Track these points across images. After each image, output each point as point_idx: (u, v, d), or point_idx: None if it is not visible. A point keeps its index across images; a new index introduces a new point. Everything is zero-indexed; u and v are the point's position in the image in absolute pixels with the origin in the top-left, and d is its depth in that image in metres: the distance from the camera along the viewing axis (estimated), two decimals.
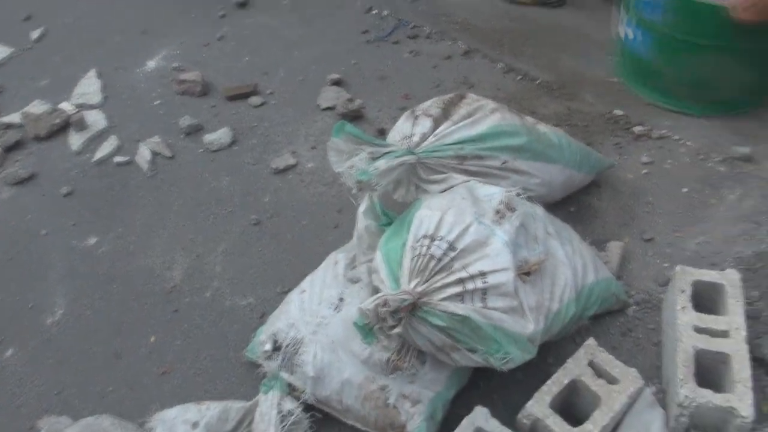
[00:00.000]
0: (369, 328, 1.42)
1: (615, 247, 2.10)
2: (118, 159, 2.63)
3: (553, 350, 1.86)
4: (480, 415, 1.54)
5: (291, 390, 1.69)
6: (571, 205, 2.26)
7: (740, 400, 1.51)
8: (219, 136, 2.64)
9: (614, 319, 1.95)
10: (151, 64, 3.08)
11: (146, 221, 2.42)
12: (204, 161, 2.60)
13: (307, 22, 3.20)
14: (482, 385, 1.81)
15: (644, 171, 2.35)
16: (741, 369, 1.57)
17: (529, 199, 1.84)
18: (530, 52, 2.89)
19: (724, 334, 1.65)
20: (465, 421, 1.53)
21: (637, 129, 2.49)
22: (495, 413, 1.67)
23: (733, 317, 1.68)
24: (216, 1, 3.38)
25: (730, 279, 1.76)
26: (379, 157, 1.76)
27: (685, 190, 2.27)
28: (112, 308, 2.16)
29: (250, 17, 3.27)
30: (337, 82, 2.83)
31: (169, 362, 1.98)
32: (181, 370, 1.95)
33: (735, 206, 2.20)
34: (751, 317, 1.91)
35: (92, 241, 2.38)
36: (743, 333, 1.64)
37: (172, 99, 2.88)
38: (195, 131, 2.70)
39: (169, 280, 2.22)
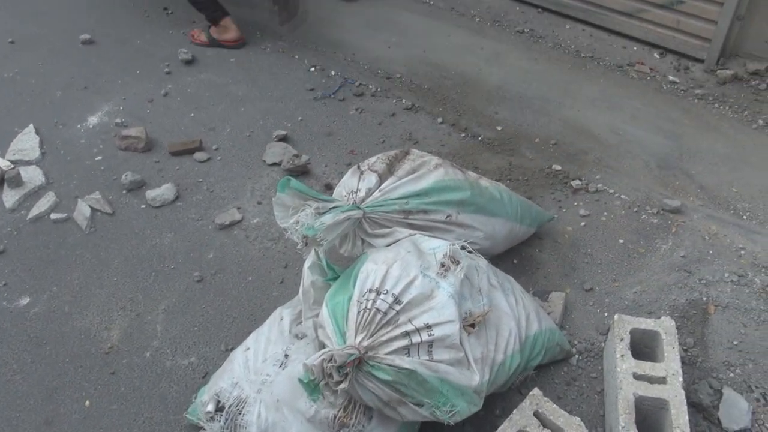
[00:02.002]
0: (314, 384, 1.39)
1: (557, 298, 2.15)
2: (54, 216, 2.55)
3: (499, 402, 1.88)
4: None
5: None
6: (514, 257, 2.32)
7: None
8: (162, 191, 2.61)
9: (558, 369, 1.99)
10: (93, 119, 3.03)
11: (83, 280, 2.33)
12: (146, 218, 2.55)
13: (254, 79, 3.24)
14: None
15: (582, 223, 2.45)
16: (679, 414, 1.61)
17: (473, 252, 1.88)
18: (471, 110, 3.00)
19: (662, 380, 1.70)
20: None
21: (575, 183, 2.60)
22: None
23: (670, 363, 1.73)
24: (161, 58, 3.39)
25: (665, 326, 1.83)
26: (325, 212, 1.77)
27: (621, 241, 2.37)
28: (43, 372, 2.05)
29: (196, 74, 3.29)
30: (283, 138, 2.86)
31: (104, 428, 1.88)
32: None
33: (668, 256, 2.31)
34: (687, 363, 1.98)
35: (24, 301, 2.27)
36: (680, 379, 1.70)
37: (114, 155, 2.84)
38: (137, 187, 2.66)
39: (106, 340, 2.13)
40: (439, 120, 2.93)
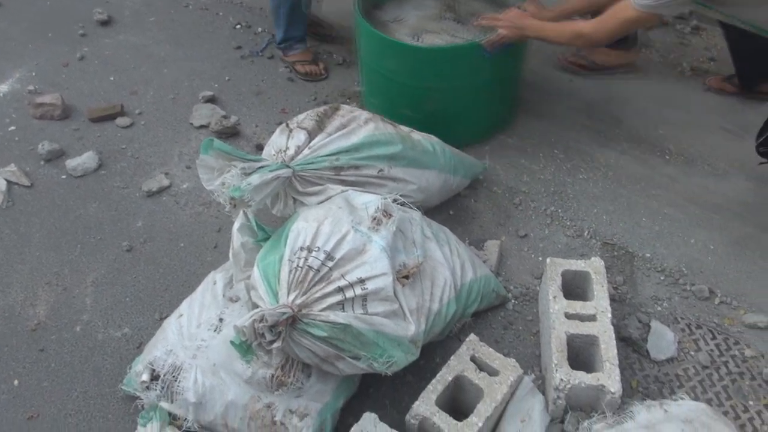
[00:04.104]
0: (247, 345, 1.37)
1: (492, 246, 2.18)
2: None
3: (439, 350, 1.90)
4: (368, 421, 1.53)
5: (173, 419, 1.60)
6: (450, 209, 2.34)
7: (609, 377, 1.61)
8: (83, 160, 2.48)
9: (496, 314, 2.03)
10: (3, 87, 2.84)
11: (3, 256, 2.22)
12: (68, 188, 2.43)
13: (176, 39, 3.10)
14: (373, 392, 1.81)
15: (515, 172, 2.48)
16: (608, 349, 1.67)
17: (407, 204, 1.87)
18: None
19: (592, 318, 1.76)
20: (354, 429, 1.52)
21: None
22: (386, 417, 1.68)
23: (599, 301, 1.79)
24: (75, 19, 3.19)
25: (595, 267, 1.88)
26: (252, 172, 1.73)
27: (552, 188, 2.41)
28: None
29: (114, 35, 3.11)
30: (210, 99, 2.75)
31: (36, 406, 1.82)
32: (51, 414, 1.80)
33: (598, 199, 2.37)
34: (618, 300, 2.05)
35: None
36: (609, 315, 1.75)
37: (29, 124, 2.68)
38: (56, 157, 2.52)
39: (32, 317, 2.04)
40: None
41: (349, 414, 1.72)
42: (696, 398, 1.80)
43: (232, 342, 1.39)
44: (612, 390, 1.58)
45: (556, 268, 1.88)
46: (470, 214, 2.34)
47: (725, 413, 1.77)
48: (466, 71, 2.34)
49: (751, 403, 1.79)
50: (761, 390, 1.81)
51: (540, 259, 2.19)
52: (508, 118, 2.66)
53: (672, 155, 2.50)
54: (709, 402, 1.79)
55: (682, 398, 1.59)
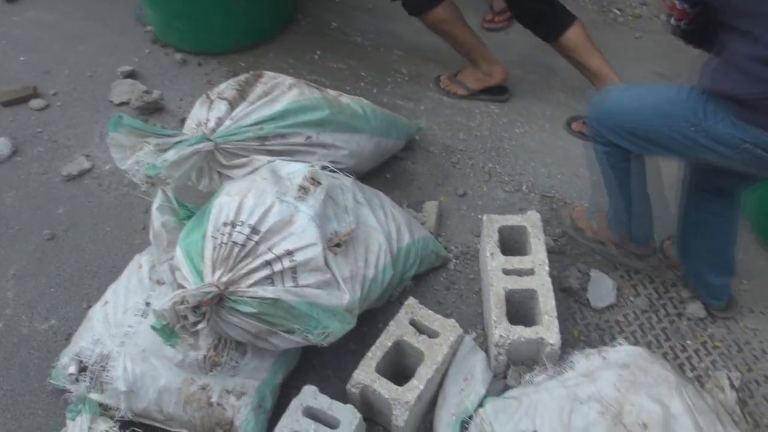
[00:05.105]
0: (169, 329, 1.31)
1: (431, 207, 2.15)
2: None
3: (381, 315, 1.87)
4: (308, 393, 1.50)
5: (105, 410, 1.54)
6: (386, 172, 2.29)
7: (547, 329, 1.61)
8: None
9: (437, 275, 2.01)
10: None
11: None
12: None
13: (90, 13, 2.91)
14: (316, 363, 1.78)
15: (452, 130, 2.44)
16: (546, 301, 1.67)
17: (337, 171, 1.82)
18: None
19: (530, 272, 1.75)
20: (293, 403, 1.48)
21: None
22: (330, 388, 1.65)
23: (537, 255, 1.78)
24: None
25: (531, 220, 1.87)
26: (169, 148, 1.64)
27: (489, 144, 2.38)
28: None
29: (22, 12, 2.91)
30: (130, 75, 2.61)
31: None
32: None
33: (535, 152, 2.35)
34: (558, 252, 2.06)
35: None
36: (546, 268, 1.75)
37: None
38: None
39: None
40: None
41: (291, 387, 1.67)
42: (636, 342, 1.82)
43: (153, 327, 1.32)
44: (551, 342, 1.59)
45: (492, 224, 1.86)
46: (408, 176, 2.29)
47: (664, 354, 1.81)
48: None
49: (689, 342, 1.82)
50: (698, 329, 1.85)
51: (480, 216, 2.16)
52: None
53: None
54: (648, 345, 1.82)
55: (620, 344, 1.60)
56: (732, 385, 1.55)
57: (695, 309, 1.88)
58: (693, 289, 1.90)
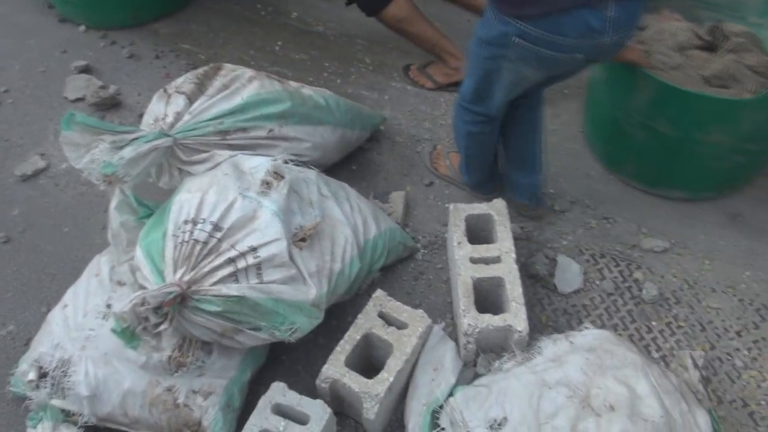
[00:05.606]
0: (130, 332, 1.28)
1: (397, 197, 2.14)
2: None
3: (350, 309, 1.86)
4: (277, 390, 1.48)
5: (67, 416, 1.50)
6: (352, 164, 2.27)
7: (515, 317, 1.61)
8: None
9: (406, 266, 2.00)
10: None
11: None
12: None
13: (42, 5, 2.82)
14: (285, 359, 1.76)
15: (417, 120, 2.42)
16: (513, 288, 1.67)
17: (301, 164, 1.79)
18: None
19: (496, 259, 1.75)
20: (262, 401, 1.46)
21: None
22: (300, 383, 1.64)
23: (503, 242, 1.79)
24: None
25: (497, 208, 1.87)
26: (125, 145, 1.59)
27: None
28: None
29: None
30: (85, 69, 2.53)
31: None
32: None
33: None
34: (525, 239, 2.07)
35: None
36: (513, 255, 1.75)
37: None
38: None
39: None
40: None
41: (260, 385, 1.66)
42: (603, 325, 1.85)
43: (113, 330, 1.29)
44: (519, 329, 1.59)
45: (459, 213, 1.86)
46: (374, 167, 2.28)
47: (630, 336, 1.83)
48: None
49: (654, 323, 1.85)
50: (662, 310, 1.88)
51: (446, 206, 2.15)
52: None
53: (570, 87, 2.51)
54: (615, 327, 1.85)
55: (587, 328, 1.61)
56: (695, 364, 1.57)
57: (649, 288, 1.92)
58: (508, 194, 2.06)
